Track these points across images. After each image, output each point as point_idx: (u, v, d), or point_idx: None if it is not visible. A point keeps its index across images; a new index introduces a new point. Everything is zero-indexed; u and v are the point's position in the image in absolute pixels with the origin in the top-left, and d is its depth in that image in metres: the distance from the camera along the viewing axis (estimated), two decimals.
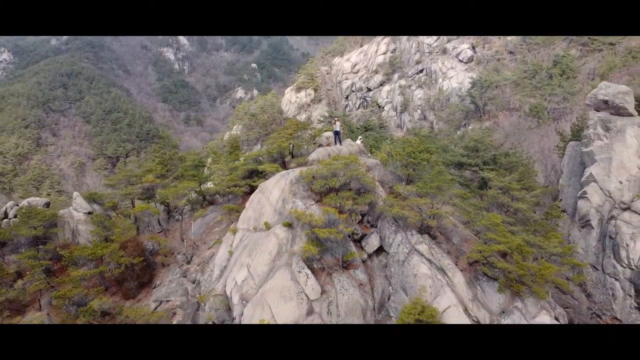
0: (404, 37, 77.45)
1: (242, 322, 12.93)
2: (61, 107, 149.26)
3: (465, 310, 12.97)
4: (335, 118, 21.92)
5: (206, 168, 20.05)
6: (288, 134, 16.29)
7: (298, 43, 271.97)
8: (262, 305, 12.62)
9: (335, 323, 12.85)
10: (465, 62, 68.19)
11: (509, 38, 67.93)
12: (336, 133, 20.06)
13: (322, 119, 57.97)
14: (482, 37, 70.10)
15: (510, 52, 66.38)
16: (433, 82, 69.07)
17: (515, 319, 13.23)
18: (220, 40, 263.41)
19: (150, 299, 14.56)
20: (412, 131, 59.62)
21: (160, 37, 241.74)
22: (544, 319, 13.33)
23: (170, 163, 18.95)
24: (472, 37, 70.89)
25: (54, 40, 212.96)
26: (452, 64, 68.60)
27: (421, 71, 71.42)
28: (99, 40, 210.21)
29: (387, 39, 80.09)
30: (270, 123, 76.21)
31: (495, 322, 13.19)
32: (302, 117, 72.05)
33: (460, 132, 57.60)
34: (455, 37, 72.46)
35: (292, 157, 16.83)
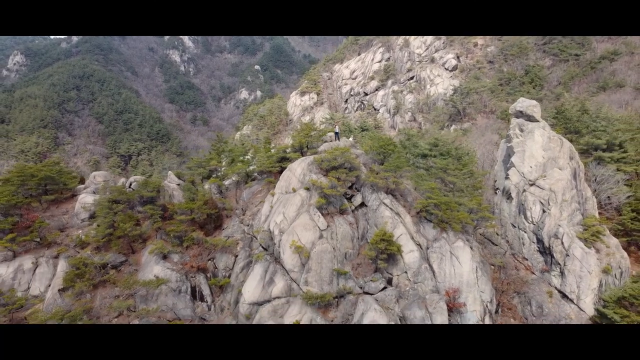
0: (397, 47, 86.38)
1: (280, 245, 21.82)
2: (75, 108, 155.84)
3: (411, 237, 21.99)
4: (336, 122, 31.07)
5: (246, 157, 28.90)
6: (305, 134, 25.27)
7: (300, 45, 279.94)
8: (293, 234, 21.60)
9: (336, 246, 21.69)
10: (450, 70, 77.08)
11: (489, 49, 76.86)
12: (336, 133, 29.19)
13: (324, 120, 66.68)
14: (466, 48, 79.05)
15: (490, 62, 75.25)
16: (422, 87, 78.00)
17: (442, 243, 22.22)
18: (224, 42, 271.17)
19: (221, 235, 23.52)
20: (403, 131, 68.28)
21: (166, 39, 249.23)
22: (459, 244, 22.32)
23: (222, 153, 27.87)
24: (457, 48, 79.88)
25: (64, 44, 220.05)
26: (439, 71, 77.51)
27: (412, 78, 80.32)
28: (107, 43, 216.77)
29: (382, 48, 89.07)
30: (277, 124, 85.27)
31: (429, 246, 22.17)
32: (306, 118, 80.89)
33: (444, 131, 66.49)
34: (442, 47, 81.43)
35: (307, 148, 25.79)
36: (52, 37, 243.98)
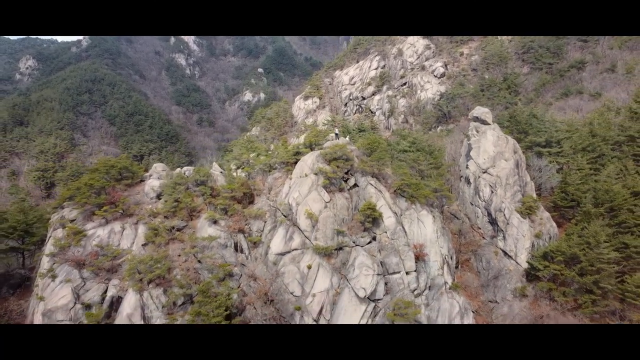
0: (392, 56, 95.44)
1: (297, 213, 30.80)
2: (88, 110, 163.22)
3: (390, 207, 30.96)
4: (336, 124, 40.13)
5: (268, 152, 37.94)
6: (313, 135, 34.35)
7: (301, 48, 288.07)
8: (306, 205, 30.60)
9: (336, 213, 30.69)
10: (439, 77, 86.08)
11: (473, 58, 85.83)
12: (336, 134, 38.32)
13: (325, 122, 75.49)
14: (453, 57, 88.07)
15: (474, 69, 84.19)
16: (413, 93, 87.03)
17: (411, 212, 31.19)
18: (228, 46, 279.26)
19: (253, 207, 32.55)
20: (396, 132, 77.20)
21: (171, 44, 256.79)
22: (424, 212, 31.29)
23: (250, 149, 36.89)
24: (445, 57, 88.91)
25: (74, 48, 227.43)
26: (429, 78, 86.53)
27: (404, 84, 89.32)
28: (115, 48, 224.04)
29: (378, 56, 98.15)
30: (283, 125, 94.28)
31: (402, 213, 31.13)
32: (310, 120, 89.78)
33: (432, 132, 75.48)
34: (432, 56, 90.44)
35: (315, 145, 34.87)
36: (60, 41, 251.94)
